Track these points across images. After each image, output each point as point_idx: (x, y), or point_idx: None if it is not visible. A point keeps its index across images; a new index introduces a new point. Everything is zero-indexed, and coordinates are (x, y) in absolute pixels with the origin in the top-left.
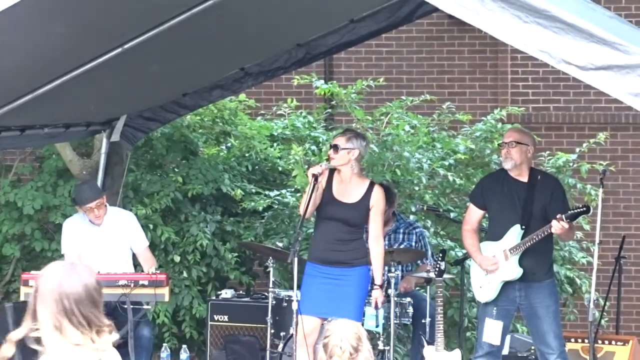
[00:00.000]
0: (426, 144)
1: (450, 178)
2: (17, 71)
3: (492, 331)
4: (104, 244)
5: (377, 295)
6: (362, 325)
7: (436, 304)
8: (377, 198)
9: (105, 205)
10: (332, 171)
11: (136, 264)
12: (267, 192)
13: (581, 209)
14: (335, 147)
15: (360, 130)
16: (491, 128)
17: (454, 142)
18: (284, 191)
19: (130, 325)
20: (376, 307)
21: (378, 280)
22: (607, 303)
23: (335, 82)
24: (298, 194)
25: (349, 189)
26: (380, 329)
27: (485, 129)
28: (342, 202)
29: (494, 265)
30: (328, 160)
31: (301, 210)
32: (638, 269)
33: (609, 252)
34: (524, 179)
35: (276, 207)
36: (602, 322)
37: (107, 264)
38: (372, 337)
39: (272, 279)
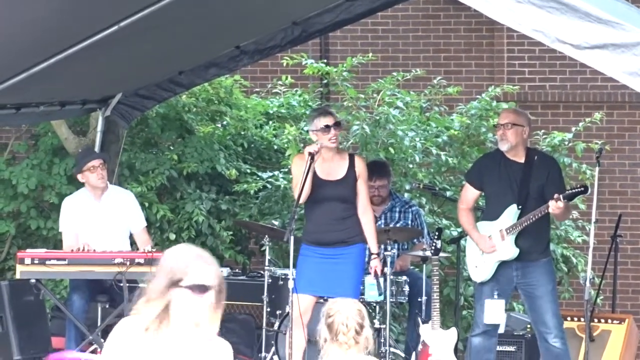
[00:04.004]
0: (421, 123)
1: (443, 158)
2: (13, 49)
3: (493, 311)
4: (103, 221)
5: (375, 264)
6: (364, 296)
7: (432, 282)
8: (361, 168)
9: (107, 179)
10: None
11: (132, 243)
12: (260, 174)
13: (579, 189)
14: (338, 125)
15: (353, 109)
16: (486, 106)
17: (449, 120)
18: (276, 173)
19: (126, 304)
20: (376, 276)
21: (374, 249)
22: (603, 281)
23: (326, 60)
24: (291, 176)
25: (332, 166)
26: (382, 298)
27: (480, 107)
28: (330, 180)
29: (491, 247)
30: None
31: (295, 193)
32: (634, 247)
33: (605, 230)
34: (521, 159)
35: (269, 188)
36: (598, 300)
37: (105, 242)
38: (368, 314)
39: (267, 257)
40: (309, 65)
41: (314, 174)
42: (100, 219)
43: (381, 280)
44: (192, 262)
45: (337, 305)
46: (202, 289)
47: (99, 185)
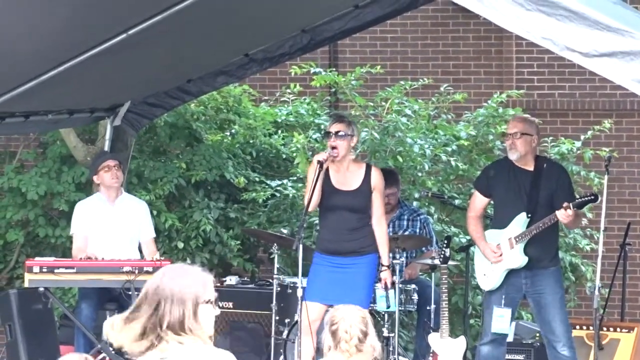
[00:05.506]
0: (428, 131)
1: (453, 163)
2: (21, 57)
3: (501, 319)
4: (114, 226)
5: (385, 276)
6: (374, 307)
7: (441, 290)
8: (377, 179)
9: (122, 185)
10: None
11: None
12: (268, 182)
13: (588, 198)
14: (339, 135)
15: (362, 117)
16: (493, 113)
17: (456, 129)
18: (285, 181)
19: None
20: (386, 288)
21: (385, 261)
22: (612, 290)
23: (334, 69)
24: (300, 184)
25: (348, 176)
26: (393, 309)
27: (487, 114)
28: (344, 190)
29: (497, 257)
30: (335, 148)
31: (305, 200)
32: None
33: (614, 239)
34: (530, 167)
35: (278, 196)
36: (603, 310)
37: (114, 247)
38: (376, 323)
39: (276, 265)
40: (317, 76)
41: (329, 182)
42: (111, 223)
43: (390, 292)
44: (205, 277)
45: (340, 312)
46: (216, 300)
47: (113, 185)
